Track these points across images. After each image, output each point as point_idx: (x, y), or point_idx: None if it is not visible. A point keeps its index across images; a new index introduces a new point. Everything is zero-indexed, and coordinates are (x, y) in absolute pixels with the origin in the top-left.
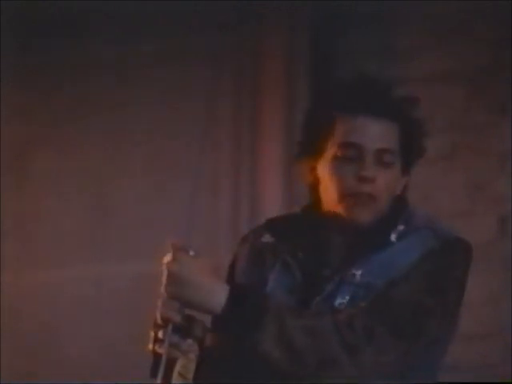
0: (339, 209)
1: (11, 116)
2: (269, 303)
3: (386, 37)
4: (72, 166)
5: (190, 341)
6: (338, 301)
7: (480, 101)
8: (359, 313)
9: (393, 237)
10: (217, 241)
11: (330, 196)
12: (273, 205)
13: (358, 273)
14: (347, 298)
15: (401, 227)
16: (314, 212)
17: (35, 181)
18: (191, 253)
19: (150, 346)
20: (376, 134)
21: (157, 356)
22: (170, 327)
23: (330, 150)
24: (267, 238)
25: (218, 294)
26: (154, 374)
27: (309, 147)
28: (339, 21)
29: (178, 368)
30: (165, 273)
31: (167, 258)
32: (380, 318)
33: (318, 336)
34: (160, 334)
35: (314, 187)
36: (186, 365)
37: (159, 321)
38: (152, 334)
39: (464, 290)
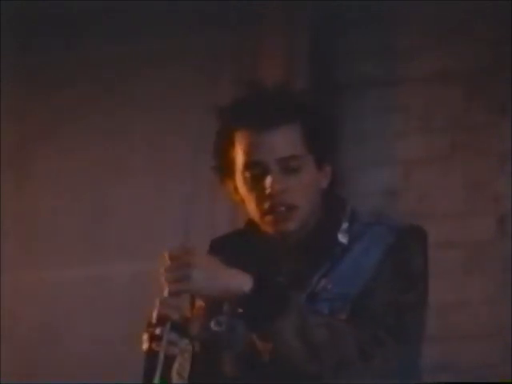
0: (264, 224)
1: (11, 116)
2: (291, 295)
3: (386, 37)
4: (72, 166)
5: (186, 340)
6: None
7: (479, 101)
8: (364, 322)
9: (340, 237)
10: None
11: (253, 213)
12: None
13: (329, 286)
14: (326, 312)
15: (345, 225)
16: (255, 228)
17: (35, 181)
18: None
19: (145, 347)
20: (273, 145)
21: (153, 355)
22: (168, 324)
23: (239, 171)
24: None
25: (244, 278)
26: (149, 374)
27: (223, 170)
28: (339, 21)
29: (176, 366)
30: (184, 267)
31: (181, 254)
32: (377, 325)
33: (337, 336)
34: (157, 331)
35: (243, 204)
36: (182, 364)
37: (155, 320)
38: (145, 335)
39: (427, 276)
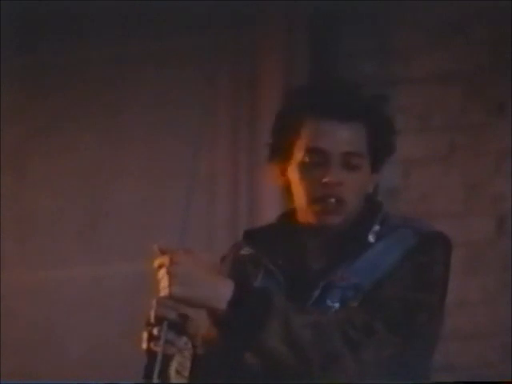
0: (309, 213)
1: (10, 116)
2: (273, 299)
3: (385, 37)
4: (71, 166)
5: (184, 338)
6: (329, 304)
7: (478, 101)
8: (357, 310)
9: (370, 237)
10: (214, 240)
11: (299, 200)
12: (271, 204)
13: (345, 276)
14: (337, 301)
15: (376, 227)
16: (289, 221)
17: (34, 180)
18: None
19: (144, 346)
20: (341, 137)
21: (151, 354)
22: (165, 324)
23: (298, 155)
24: (246, 251)
25: (223, 290)
26: (148, 374)
27: (278, 150)
28: (339, 21)
29: (174, 366)
30: (165, 275)
31: (161, 260)
32: (376, 315)
33: (321, 332)
34: (155, 331)
35: (287, 190)
36: (182, 362)
37: (152, 320)
38: (145, 334)
39: (447, 284)
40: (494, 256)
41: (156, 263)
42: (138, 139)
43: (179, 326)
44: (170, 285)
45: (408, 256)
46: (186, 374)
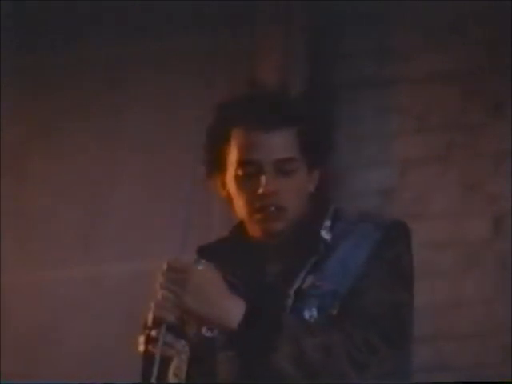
0: (252, 224)
1: (10, 116)
2: (284, 321)
3: (383, 37)
4: (70, 166)
5: (183, 341)
6: (307, 314)
7: (476, 101)
8: (353, 325)
9: (323, 233)
10: (211, 238)
11: (241, 212)
12: None
13: (318, 283)
14: (314, 309)
15: (328, 223)
16: (241, 232)
17: (34, 181)
18: (203, 262)
19: (141, 349)
20: (270, 145)
21: (149, 357)
22: (164, 326)
23: (231, 168)
24: (203, 265)
25: (234, 310)
26: (146, 376)
27: (213, 165)
28: (338, 21)
29: (172, 368)
30: (178, 284)
31: (181, 268)
32: (370, 327)
33: (329, 354)
34: (153, 333)
35: (230, 202)
36: (179, 365)
37: (150, 322)
38: (142, 337)
39: (414, 273)
40: (491, 256)
41: (165, 277)
42: (138, 139)
43: (177, 329)
44: (185, 297)
45: (375, 252)
46: (183, 376)
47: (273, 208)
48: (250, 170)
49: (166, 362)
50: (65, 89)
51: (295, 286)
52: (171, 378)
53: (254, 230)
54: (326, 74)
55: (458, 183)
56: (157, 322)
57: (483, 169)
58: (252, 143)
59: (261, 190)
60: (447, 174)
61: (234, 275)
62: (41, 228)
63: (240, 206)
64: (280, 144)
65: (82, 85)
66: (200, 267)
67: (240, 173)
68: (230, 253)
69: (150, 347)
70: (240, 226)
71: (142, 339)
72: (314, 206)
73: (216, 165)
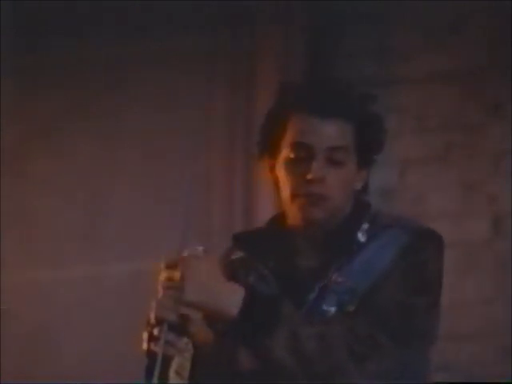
0: (293, 208)
1: (9, 116)
2: (282, 308)
3: (382, 37)
4: (70, 166)
5: (185, 339)
6: (325, 309)
7: (475, 101)
8: (360, 321)
9: (359, 236)
10: (211, 240)
11: (285, 196)
12: (267, 205)
13: (340, 280)
14: (333, 305)
15: (366, 226)
16: (278, 223)
17: (34, 181)
18: (200, 249)
19: (144, 346)
20: (326, 132)
21: (152, 355)
22: (165, 325)
23: (285, 150)
24: (237, 255)
25: (234, 297)
26: (149, 374)
27: (266, 147)
28: (338, 21)
29: (174, 367)
30: (177, 280)
31: (177, 264)
32: (378, 325)
33: (327, 344)
34: (155, 332)
35: (276, 186)
36: (182, 363)
37: (153, 321)
38: (145, 334)
39: (442, 282)
40: (491, 256)
41: (164, 275)
42: (138, 139)
43: (179, 327)
44: (184, 290)
45: (401, 255)
46: (186, 375)
47: (316, 195)
48: (301, 154)
49: (167, 360)
50: (65, 89)
51: (323, 283)
52: (173, 376)
53: (294, 217)
54: (326, 74)
55: (458, 183)
56: (158, 321)
57: (483, 169)
58: (308, 128)
59: (310, 176)
60: (447, 174)
61: (264, 265)
62: (41, 228)
63: (285, 190)
64: (334, 132)
65: (82, 85)
66: (197, 253)
67: (292, 155)
68: (265, 242)
69: (152, 346)
70: (278, 217)
71: (145, 337)
72: (356, 205)
73: (269, 147)
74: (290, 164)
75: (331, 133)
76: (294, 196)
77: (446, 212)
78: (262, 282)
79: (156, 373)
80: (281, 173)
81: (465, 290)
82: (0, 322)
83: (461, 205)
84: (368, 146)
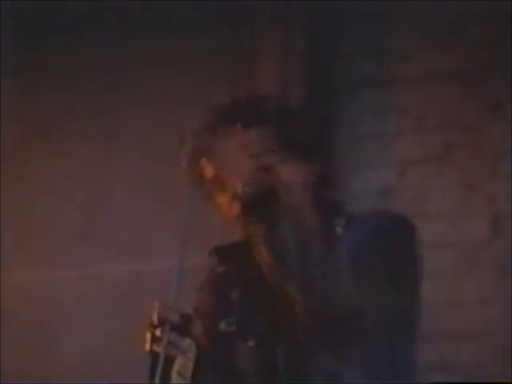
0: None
1: (9, 116)
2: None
3: (382, 37)
4: (69, 166)
5: (188, 340)
6: None
7: (474, 101)
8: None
9: (337, 229)
10: (211, 240)
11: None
12: None
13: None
14: None
15: (343, 221)
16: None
17: (34, 181)
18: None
19: (147, 347)
20: (247, 142)
21: (154, 355)
22: (167, 326)
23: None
24: (220, 268)
25: None
26: (152, 374)
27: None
28: (338, 21)
29: (176, 367)
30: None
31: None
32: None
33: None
34: (158, 333)
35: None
36: (184, 364)
37: (155, 321)
38: (148, 334)
39: (421, 268)
40: (490, 256)
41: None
42: (138, 139)
43: (182, 328)
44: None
45: (378, 236)
46: (188, 375)
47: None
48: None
49: (169, 361)
50: (65, 89)
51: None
52: (175, 377)
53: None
54: (326, 74)
55: (458, 183)
56: (161, 322)
57: (483, 169)
58: (230, 145)
59: (245, 182)
60: (446, 174)
61: (247, 277)
62: (41, 228)
63: (226, 207)
64: (255, 140)
65: (82, 85)
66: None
67: (222, 176)
68: (244, 254)
69: (155, 346)
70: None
71: (148, 337)
72: (323, 201)
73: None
74: (223, 184)
75: (252, 141)
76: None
77: (446, 212)
78: (248, 293)
79: (158, 373)
80: (217, 196)
81: (464, 290)
82: (0, 321)
83: (460, 205)
84: (297, 141)
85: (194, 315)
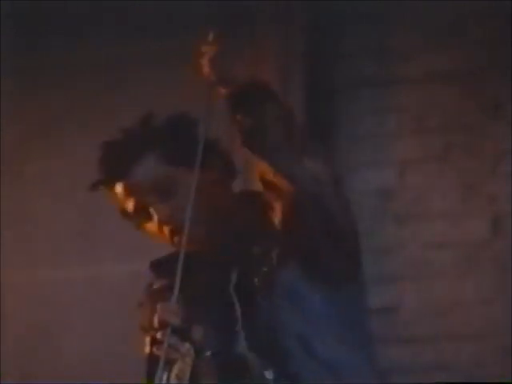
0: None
1: (9, 116)
2: None
3: (381, 37)
4: (69, 166)
5: (187, 344)
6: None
7: (474, 101)
8: None
9: None
10: None
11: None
12: None
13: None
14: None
15: None
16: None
17: (33, 181)
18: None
19: (147, 350)
20: (138, 177)
21: (154, 358)
22: (169, 329)
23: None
24: (158, 283)
25: None
26: (150, 378)
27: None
28: (338, 21)
29: (175, 370)
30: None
31: None
32: None
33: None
34: (159, 336)
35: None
36: (183, 368)
37: (156, 324)
38: (148, 338)
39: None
40: (490, 257)
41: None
42: None
43: (183, 332)
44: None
45: None
46: (186, 379)
47: (175, 230)
48: (140, 212)
49: (169, 364)
50: (65, 89)
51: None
52: (173, 380)
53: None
54: (326, 74)
55: (457, 184)
56: (162, 325)
57: (482, 169)
58: (125, 188)
59: (156, 220)
60: (446, 174)
61: (188, 288)
62: (41, 228)
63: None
64: (144, 171)
65: (82, 85)
66: None
67: (136, 218)
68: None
69: (155, 349)
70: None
71: (147, 340)
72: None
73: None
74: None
75: (142, 175)
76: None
77: (446, 212)
78: (191, 306)
79: (158, 376)
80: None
81: (464, 290)
82: (0, 321)
83: (460, 205)
84: (184, 154)
85: (142, 331)
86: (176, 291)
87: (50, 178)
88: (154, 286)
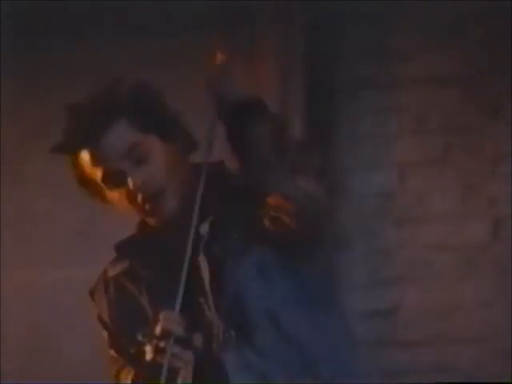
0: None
1: (9, 116)
2: None
3: (382, 38)
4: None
5: (190, 352)
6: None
7: (474, 103)
8: None
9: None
10: None
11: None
12: None
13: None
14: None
15: None
16: (145, 226)
17: (33, 181)
18: None
19: (149, 358)
20: (111, 145)
21: (157, 366)
22: (172, 338)
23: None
24: (122, 266)
25: None
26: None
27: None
28: (338, 21)
29: (179, 379)
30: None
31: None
32: None
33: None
34: (162, 344)
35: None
36: (185, 376)
37: (158, 333)
38: (149, 346)
39: None
40: (490, 259)
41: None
42: None
43: (185, 341)
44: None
45: None
46: None
47: (153, 197)
48: (113, 178)
49: (173, 373)
50: (65, 89)
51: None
52: None
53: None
54: (326, 74)
55: (457, 185)
56: (165, 334)
57: (482, 171)
58: (95, 156)
59: (131, 188)
60: (446, 176)
61: (150, 271)
62: (41, 228)
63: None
64: (116, 139)
65: (81, 84)
66: None
67: (110, 185)
68: (142, 247)
69: (158, 358)
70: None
71: (149, 348)
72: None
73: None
74: (114, 191)
75: (114, 142)
76: (139, 209)
77: (446, 214)
78: (155, 287)
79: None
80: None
81: (464, 293)
82: (0, 321)
83: (460, 207)
84: (153, 122)
85: (101, 324)
86: (178, 302)
87: (49, 178)
88: (110, 274)
